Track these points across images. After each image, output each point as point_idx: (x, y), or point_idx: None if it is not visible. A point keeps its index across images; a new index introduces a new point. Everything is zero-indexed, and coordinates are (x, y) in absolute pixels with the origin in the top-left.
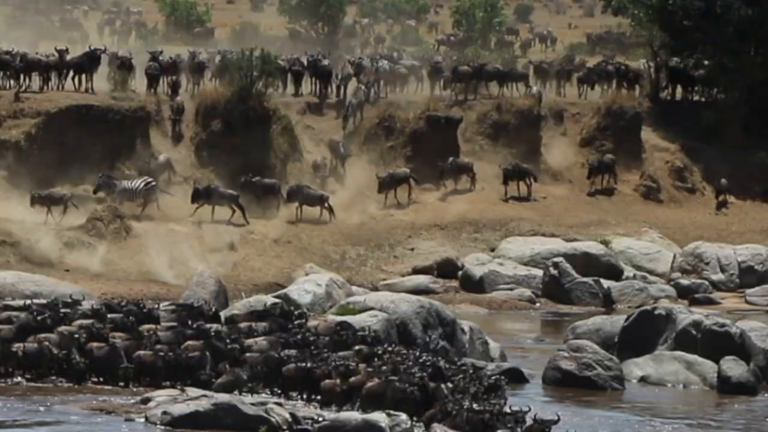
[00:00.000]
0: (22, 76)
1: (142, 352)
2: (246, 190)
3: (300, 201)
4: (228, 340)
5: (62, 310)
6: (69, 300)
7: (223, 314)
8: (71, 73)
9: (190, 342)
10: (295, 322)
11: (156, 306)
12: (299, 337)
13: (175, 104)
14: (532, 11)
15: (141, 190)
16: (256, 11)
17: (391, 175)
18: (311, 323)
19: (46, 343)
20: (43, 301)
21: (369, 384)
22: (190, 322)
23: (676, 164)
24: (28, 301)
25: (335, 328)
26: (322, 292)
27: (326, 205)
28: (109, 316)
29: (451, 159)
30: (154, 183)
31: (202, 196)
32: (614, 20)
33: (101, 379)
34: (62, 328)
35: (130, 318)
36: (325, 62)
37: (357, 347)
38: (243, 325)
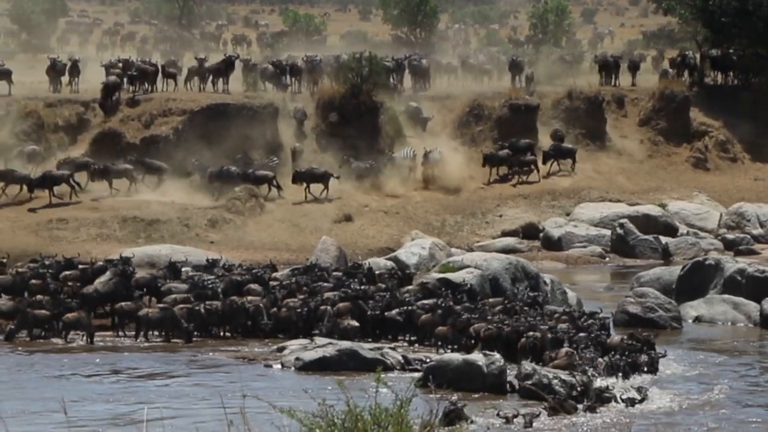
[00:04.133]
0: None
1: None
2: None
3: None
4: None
5: None
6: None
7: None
8: (210, 77)
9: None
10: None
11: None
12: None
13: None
14: (595, 13)
15: None
16: (364, 21)
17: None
18: None
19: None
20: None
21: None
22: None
23: (720, 138)
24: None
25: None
26: (426, 253)
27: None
28: None
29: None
30: None
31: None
32: (665, 19)
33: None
34: None
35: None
36: (423, 62)
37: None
38: None
